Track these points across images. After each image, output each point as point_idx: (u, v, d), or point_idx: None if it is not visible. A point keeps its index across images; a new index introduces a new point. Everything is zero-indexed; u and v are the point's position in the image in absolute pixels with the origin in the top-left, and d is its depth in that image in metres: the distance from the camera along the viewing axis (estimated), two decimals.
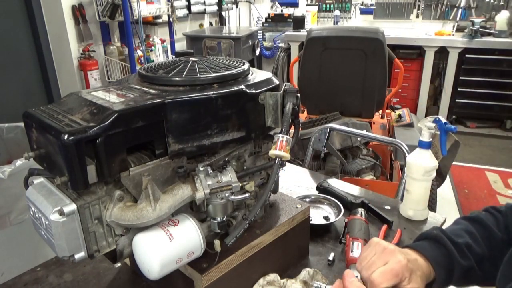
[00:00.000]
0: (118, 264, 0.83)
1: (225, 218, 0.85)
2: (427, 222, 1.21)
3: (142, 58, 3.44)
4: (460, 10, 5.03)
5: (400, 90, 4.11)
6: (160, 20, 3.83)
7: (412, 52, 4.71)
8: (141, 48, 3.41)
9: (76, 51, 3.21)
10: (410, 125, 2.86)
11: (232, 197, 0.81)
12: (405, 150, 1.64)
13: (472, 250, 0.78)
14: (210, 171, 0.78)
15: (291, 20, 5.12)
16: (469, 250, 0.78)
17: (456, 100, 4.64)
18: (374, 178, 2.14)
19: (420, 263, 0.74)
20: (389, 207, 1.28)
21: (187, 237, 0.76)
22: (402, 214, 1.24)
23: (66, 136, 0.62)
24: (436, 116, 1.19)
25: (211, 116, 0.77)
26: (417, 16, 5.27)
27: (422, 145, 1.18)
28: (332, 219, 1.21)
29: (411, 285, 0.69)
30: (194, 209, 0.85)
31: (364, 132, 1.92)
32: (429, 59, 4.59)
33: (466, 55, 4.43)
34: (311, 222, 1.10)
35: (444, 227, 1.00)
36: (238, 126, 0.81)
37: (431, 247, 0.78)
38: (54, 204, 0.67)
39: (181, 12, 4.05)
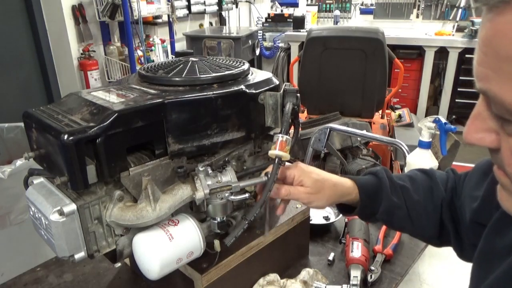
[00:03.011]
0: (118, 264, 0.83)
1: (225, 218, 0.85)
2: None
3: (142, 58, 3.44)
4: (460, 10, 5.02)
5: (400, 90, 4.10)
6: (160, 20, 3.83)
7: (412, 52, 4.70)
8: (141, 48, 3.41)
9: (76, 51, 3.21)
10: (410, 125, 2.86)
11: (232, 197, 0.81)
12: (405, 150, 1.64)
13: (407, 193, 0.79)
14: (210, 171, 0.78)
15: (291, 20, 5.12)
16: (404, 192, 0.79)
17: (456, 100, 4.64)
18: None
19: (344, 181, 0.79)
20: None
21: (187, 237, 0.76)
22: None
23: (66, 136, 0.62)
24: (436, 116, 1.20)
25: (211, 116, 0.77)
26: (417, 16, 5.27)
27: (422, 145, 1.18)
28: (332, 219, 1.21)
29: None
30: (194, 209, 0.85)
31: (364, 132, 1.92)
32: (429, 59, 4.59)
33: (466, 55, 4.42)
34: (311, 222, 1.10)
35: None
36: (238, 126, 0.81)
37: (366, 178, 0.81)
38: (54, 204, 0.67)
39: (181, 12, 4.04)
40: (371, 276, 0.98)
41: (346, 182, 0.80)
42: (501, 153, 0.41)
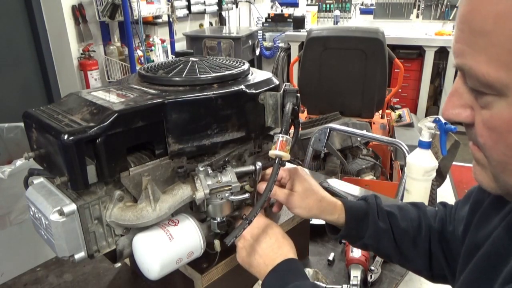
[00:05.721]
0: (118, 264, 0.83)
1: (225, 218, 0.85)
2: None
3: (142, 58, 3.44)
4: None
5: (400, 90, 4.10)
6: (160, 20, 3.83)
7: (412, 52, 4.70)
8: (141, 48, 3.41)
9: (76, 51, 3.21)
10: (410, 125, 2.86)
11: (232, 197, 0.81)
12: (405, 150, 1.64)
13: (394, 220, 0.79)
14: (210, 171, 0.78)
15: (291, 20, 5.12)
16: (391, 218, 0.79)
17: None
18: (374, 178, 2.14)
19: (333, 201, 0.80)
20: None
21: (187, 237, 0.76)
22: None
23: (66, 136, 0.62)
24: (436, 116, 1.20)
25: (211, 116, 0.77)
26: (417, 16, 5.27)
27: (422, 145, 1.18)
28: None
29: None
30: (194, 209, 0.85)
31: (364, 132, 1.92)
32: (429, 59, 4.59)
33: None
34: (311, 222, 1.10)
35: None
36: (238, 126, 0.80)
37: (355, 201, 0.82)
38: (54, 204, 0.67)
39: (181, 12, 4.04)
40: (371, 276, 0.98)
41: (335, 202, 0.80)
42: (475, 126, 0.44)
